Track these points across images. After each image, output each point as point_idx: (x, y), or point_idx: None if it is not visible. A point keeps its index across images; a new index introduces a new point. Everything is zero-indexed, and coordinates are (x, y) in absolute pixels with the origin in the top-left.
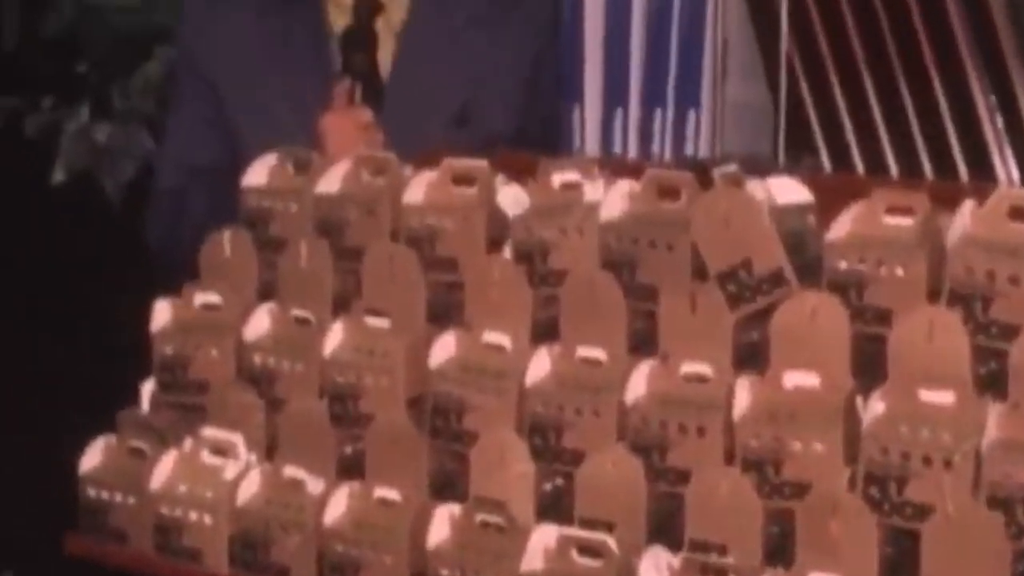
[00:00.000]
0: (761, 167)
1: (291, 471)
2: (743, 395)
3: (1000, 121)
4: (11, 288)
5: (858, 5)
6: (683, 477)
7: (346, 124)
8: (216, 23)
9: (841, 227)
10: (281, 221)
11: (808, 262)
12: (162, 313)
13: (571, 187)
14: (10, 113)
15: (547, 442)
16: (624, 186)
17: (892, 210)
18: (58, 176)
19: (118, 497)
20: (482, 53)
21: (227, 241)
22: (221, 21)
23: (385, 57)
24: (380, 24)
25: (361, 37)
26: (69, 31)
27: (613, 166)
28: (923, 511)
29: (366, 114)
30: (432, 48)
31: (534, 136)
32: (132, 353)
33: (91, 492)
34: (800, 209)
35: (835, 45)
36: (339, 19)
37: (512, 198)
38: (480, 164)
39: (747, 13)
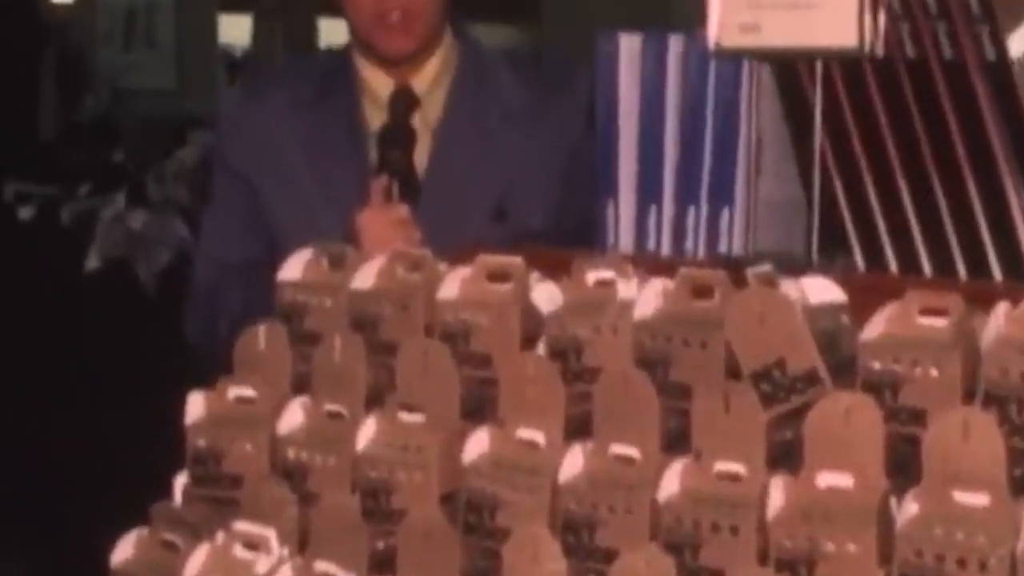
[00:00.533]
0: (795, 266)
1: (323, 566)
2: (777, 495)
3: None
4: (44, 376)
5: (891, 104)
6: None
7: (383, 221)
8: (252, 120)
9: (875, 327)
10: (316, 315)
11: (842, 362)
12: (196, 406)
13: (605, 285)
14: (47, 201)
15: (580, 540)
16: (658, 284)
17: (926, 311)
18: (92, 263)
19: None
20: (518, 150)
21: (262, 335)
22: (256, 118)
23: (421, 153)
24: (416, 120)
25: (398, 135)
26: (106, 115)
27: (647, 263)
28: None
29: (402, 211)
30: (468, 145)
31: (569, 232)
32: (166, 445)
33: None
34: (834, 309)
35: (868, 143)
36: (375, 115)
37: (546, 295)
38: (515, 261)
39: (780, 111)
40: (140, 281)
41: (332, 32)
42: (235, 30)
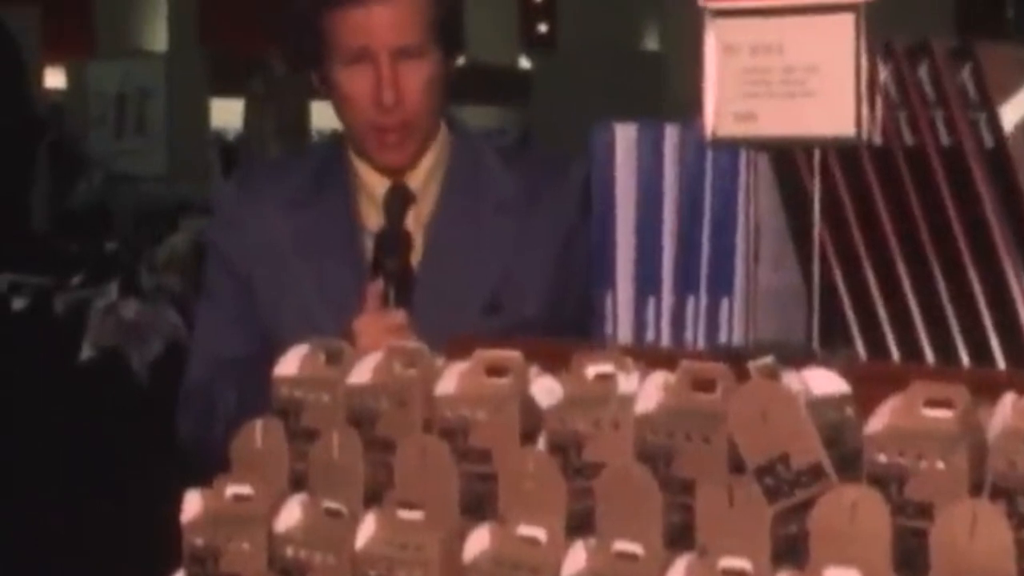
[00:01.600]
0: (796, 357)
1: None
2: None
3: None
4: (36, 466)
5: (890, 192)
6: None
7: (379, 328)
8: (246, 216)
9: (880, 419)
10: (313, 412)
11: (847, 455)
12: (192, 504)
13: (605, 378)
14: (39, 292)
15: None
16: (659, 378)
17: (931, 402)
18: (85, 353)
19: None
20: (511, 240)
21: (259, 431)
22: (251, 214)
23: (415, 251)
24: (410, 218)
25: (394, 241)
26: (98, 202)
27: (647, 355)
28: None
29: (399, 317)
30: (461, 239)
31: (566, 322)
32: (160, 541)
33: None
34: (837, 400)
35: (867, 231)
36: (371, 212)
37: (546, 389)
38: (513, 355)
39: (779, 200)
40: (133, 371)
41: (323, 115)
42: (227, 114)
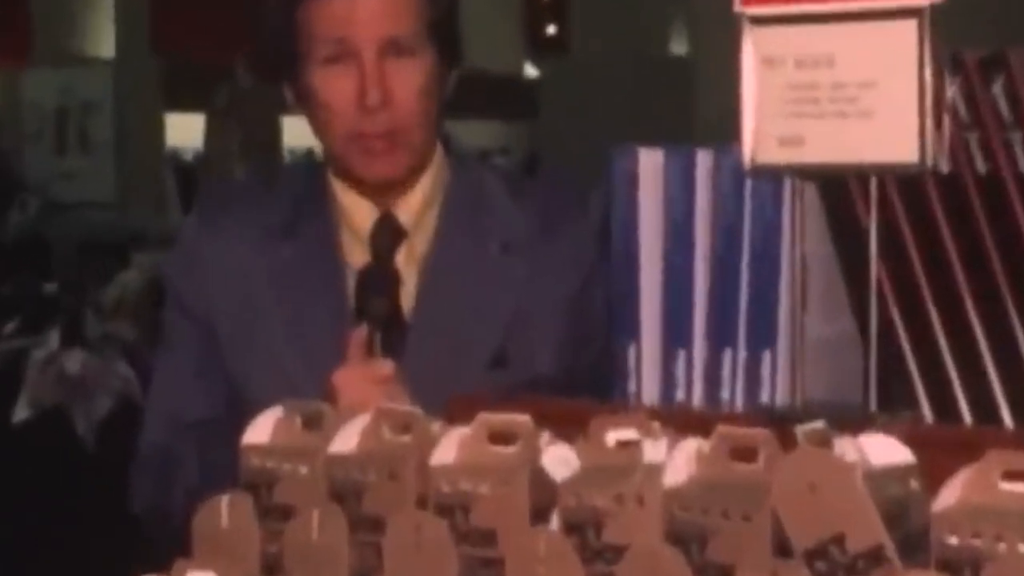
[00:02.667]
0: (851, 420)
1: None
2: None
3: None
4: None
5: (959, 226)
6: None
7: (364, 380)
8: (210, 254)
9: (950, 494)
10: (288, 485)
11: (912, 536)
12: None
13: (628, 446)
14: None
15: None
16: (690, 445)
17: (1011, 474)
18: (21, 413)
19: None
20: (519, 285)
21: (224, 508)
22: (217, 253)
23: (407, 293)
24: (402, 255)
25: (380, 279)
26: (34, 233)
27: (676, 418)
28: None
29: (386, 367)
30: (461, 281)
31: (582, 379)
32: None
33: None
34: (900, 472)
35: (933, 271)
36: (355, 249)
37: (559, 459)
38: (521, 419)
39: (829, 236)
40: (77, 434)
41: (296, 132)
42: (184, 131)
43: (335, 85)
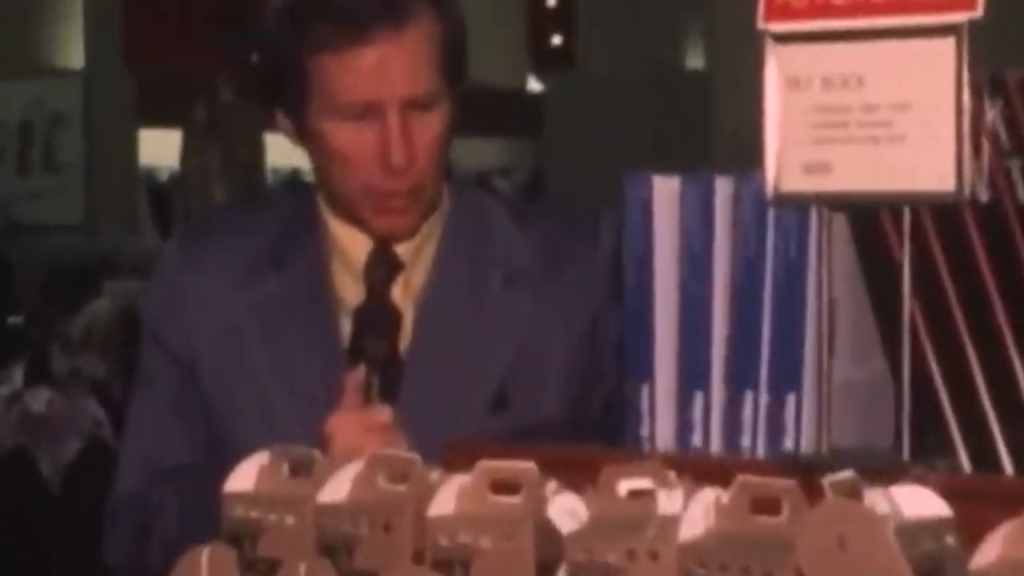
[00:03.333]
0: (882, 469)
1: None
2: None
3: None
4: None
5: (1000, 260)
6: None
7: (359, 427)
8: (191, 289)
9: (990, 550)
10: (274, 537)
11: None
12: None
13: (641, 496)
14: None
15: None
16: (708, 495)
17: None
18: None
19: None
20: (524, 321)
21: (205, 561)
22: (198, 286)
23: (403, 330)
24: (398, 288)
25: (378, 318)
26: None
27: (693, 467)
28: None
29: (385, 414)
30: (461, 317)
31: (592, 423)
32: None
33: None
34: (936, 526)
35: (971, 309)
36: (347, 283)
37: (567, 510)
38: (526, 467)
39: (858, 270)
40: (43, 477)
41: (281, 150)
42: (159, 148)
43: (356, 140)
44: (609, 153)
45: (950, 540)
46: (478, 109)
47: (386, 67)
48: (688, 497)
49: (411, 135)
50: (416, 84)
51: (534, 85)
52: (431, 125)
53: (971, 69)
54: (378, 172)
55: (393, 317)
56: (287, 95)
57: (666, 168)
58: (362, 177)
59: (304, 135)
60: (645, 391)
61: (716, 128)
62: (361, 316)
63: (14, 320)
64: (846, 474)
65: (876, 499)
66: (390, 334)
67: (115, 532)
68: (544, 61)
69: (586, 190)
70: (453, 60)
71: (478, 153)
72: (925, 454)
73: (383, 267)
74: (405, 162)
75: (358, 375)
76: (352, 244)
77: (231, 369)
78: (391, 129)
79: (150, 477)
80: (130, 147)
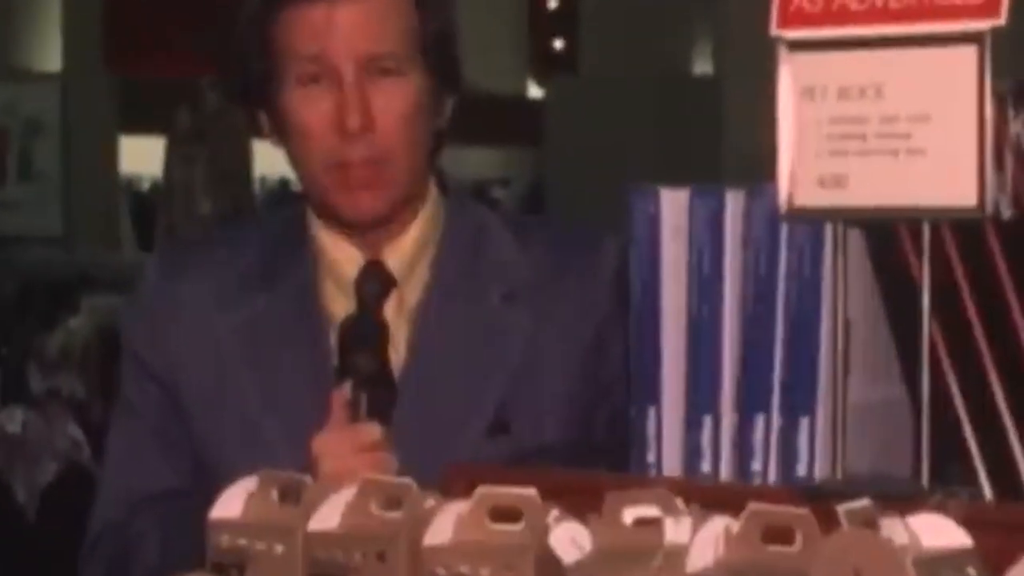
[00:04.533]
0: (900, 498)
1: None
2: None
3: None
4: None
5: (1023, 279)
6: None
7: (348, 447)
8: (175, 309)
9: None
10: (262, 566)
11: None
12: None
13: (648, 525)
14: None
15: None
16: (718, 524)
17: None
18: None
19: None
20: (524, 340)
21: None
22: (181, 307)
23: (397, 349)
24: (391, 305)
25: (367, 332)
26: None
27: (702, 494)
28: None
29: (374, 432)
30: (459, 335)
31: (595, 447)
32: None
33: None
34: (956, 557)
35: (994, 329)
36: (337, 300)
37: (569, 539)
38: (526, 493)
39: (876, 288)
40: (17, 503)
41: (269, 159)
42: (141, 157)
43: (312, 108)
44: (613, 163)
45: (972, 572)
46: (476, 116)
47: (341, 20)
48: (696, 526)
49: (368, 98)
50: (374, 42)
51: (534, 91)
52: (395, 94)
53: (994, 78)
54: (335, 140)
55: (380, 329)
56: (256, 74)
57: (673, 179)
58: (322, 150)
59: (277, 126)
60: (651, 415)
61: (725, 138)
62: (347, 330)
63: None
64: (862, 502)
65: (894, 529)
66: (376, 347)
67: (94, 563)
68: (545, 66)
69: (589, 201)
70: (430, 35)
71: (476, 162)
72: (945, 481)
73: (374, 282)
74: (360, 124)
75: (345, 392)
76: (343, 259)
77: (217, 392)
78: (347, 88)
79: (131, 506)
80: (110, 155)
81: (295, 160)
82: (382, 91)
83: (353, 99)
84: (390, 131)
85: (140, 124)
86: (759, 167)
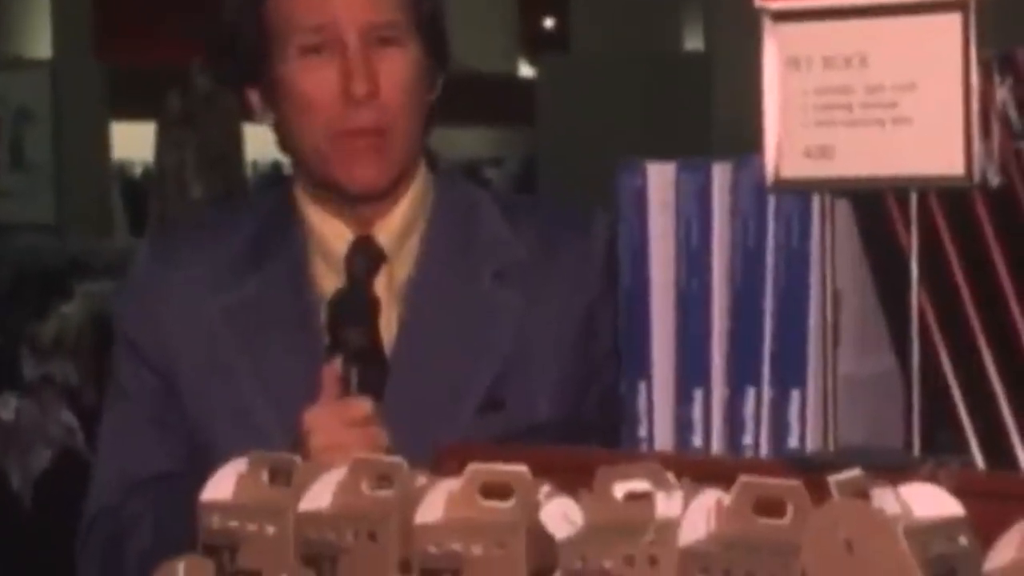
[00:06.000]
0: (891, 468)
1: None
2: None
3: None
4: None
5: (1012, 247)
6: None
7: (338, 421)
8: (165, 296)
9: (1006, 551)
10: (253, 548)
11: None
12: None
13: (639, 499)
14: None
15: None
16: (709, 497)
17: None
18: None
19: None
20: (516, 317)
21: (181, 574)
22: (172, 293)
23: (388, 326)
24: (381, 282)
25: (357, 306)
26: None
27: (693, 468)
28: None
29: (364, 406)
30: (449, 313)
31: (587, 423)
32: None
33: None
34: (948, 526)
35: (983, 298)
36: (328, 277)
37: (561, 515)
38: (518, 470)
39: (863, 257)
40: (12, 490)
41: (261, 143)
42: (133, 143)
43: (316, 77)
44: (606, 140)
45: (963, 541)
46: (467, 96)
47: None
48: (688, 499)
49: (373, 65)
50: (375, 11)
51: (525, 71)
52: (396, 62)
53: (979, 46)
54: (341, 107)
55: (370, 304)
56: (250, 50)
57: (665, 154)
58: (327, 119)
59: (271, 101)
60: (642, 389)
61: (716, 112)
62: (337, 306)
63: None
64: (853, 473)
65: (885, 499)
66: (367, 322)
67: (89, 547)
68: (536, 45)
69: (582, 179)
70: (424, 9)
71: (468, 142)
72: (936, 451)
73: (364, 257)
74: (366, 91)
75: (336, 367)
76: (332, 236)
77: (209, 375)
78: (351, 56)
79: (126, 490)
80: (101, 142)
81: (293, 134)
82: (384, 59)
83: (358, 66)
84: (393, 99)
85: (131, 110)
86: (750, 140)
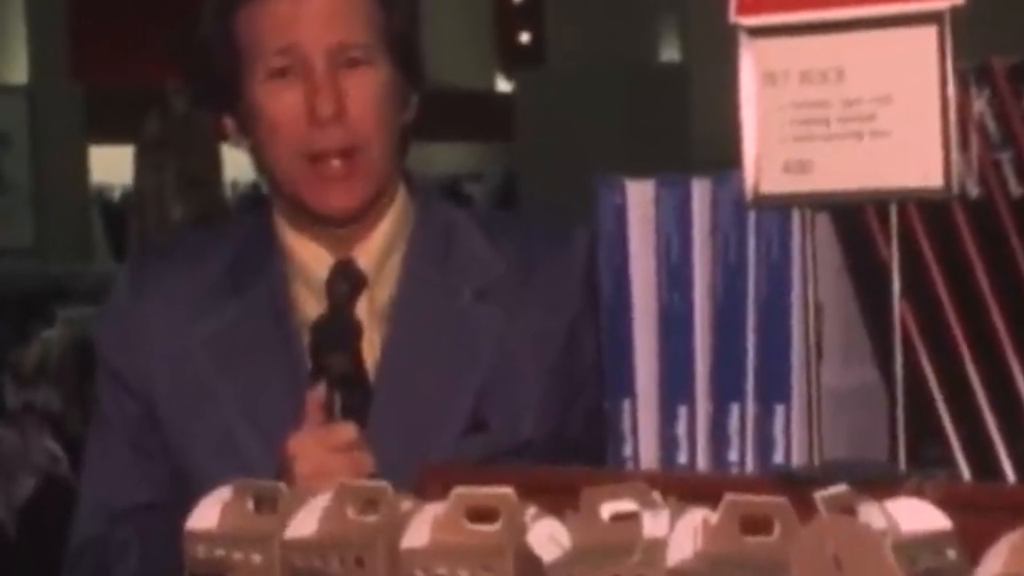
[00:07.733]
0: (877, 482)
1: None
2: None
3: None
4: None
5: (992, 258)
6: None
7: (322, 447)
8: (146, 322)
9: (994, 564)
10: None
11: None
12: None
13: (626, 519)
14: None
15: None
16: (696, 516)
17: None
18: None
19: None
20: (498, 337)
21: None
22: (152, 318)
23: (371, 348)
24: (363, 306)
25: (339, 331)
26: None
27: (679, 486)
28: None
29: (349, 432)
30: (431, 334)
31: (571, 443)
32: None
33: None
34: (935, 540)
35: (965, 309)
36: (308, 302)
37: (547, 536)
38: (503, 492)
39: (844, 271)
40: None
41: (240, 163)
42: (111, 166)
43: (283, 99)
44: (584, 154)
45: (951, 554)
46: (444, 112)
47: (308, 12)
48: (674, 518)
49: (339, 85)
50: (343, 32)
51: (503, 85)
52: (365, 82)
53: (955, 58)
54: (307, 129)
55: (352, 329)
56: (222, 73)
57: (644, 167)
58: (294, 141)
59: (244, 125)
60: (626, 408)
61: (694, 124)
62: (319, 331)
63: None
64: (839, 488)
65: (871, 514)
66: (349, 347)
67: None
68: (513, 60)
69: (562, 193)
70: (395, 29)
71: (446, 158)
72: (922, 464)
73: (345, 281)
74: (332, 111)
75: (319, 392)
76: (312, 260)
77: (192, 403)
78: (317, 78)
79: (110, 520)
80: (80, 165)
81: (265, 158)
82: (352, 80)
83: (324, 86)
84: (362, 118)
85: (109, 133)
86: (727, 153)
